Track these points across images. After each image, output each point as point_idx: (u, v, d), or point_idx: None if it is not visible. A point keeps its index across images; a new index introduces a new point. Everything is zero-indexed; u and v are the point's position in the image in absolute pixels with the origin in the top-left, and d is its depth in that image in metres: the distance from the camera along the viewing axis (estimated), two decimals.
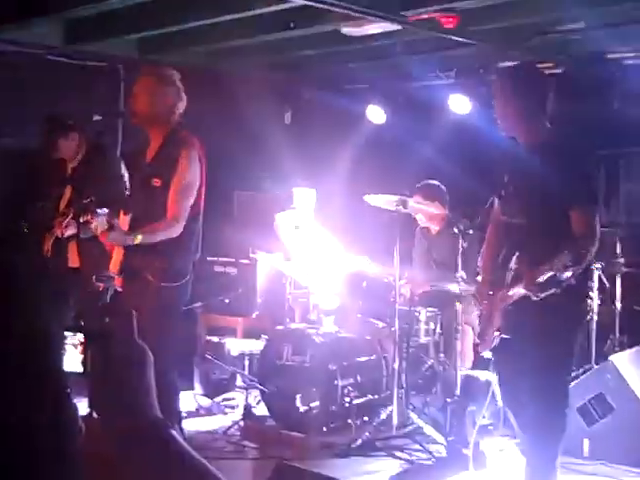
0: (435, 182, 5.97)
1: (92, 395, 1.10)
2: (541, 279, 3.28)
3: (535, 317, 3.53)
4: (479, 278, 4.16)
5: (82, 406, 1.11)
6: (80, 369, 1.12)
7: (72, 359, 1.12)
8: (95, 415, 1.09)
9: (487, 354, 4.07)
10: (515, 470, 4.58)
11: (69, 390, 1.04)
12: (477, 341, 4.06)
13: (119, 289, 4.23)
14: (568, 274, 3.28)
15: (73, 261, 4.89)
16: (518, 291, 3.49)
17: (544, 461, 3.72)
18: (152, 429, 1.05)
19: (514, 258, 3.63)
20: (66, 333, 1.15)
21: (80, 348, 1.12)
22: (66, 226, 4.58)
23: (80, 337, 1.13)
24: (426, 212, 5.80)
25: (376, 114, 7.33)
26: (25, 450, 0.98)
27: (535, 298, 3.35)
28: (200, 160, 4.26)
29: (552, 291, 3.33)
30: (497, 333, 3.72)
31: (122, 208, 4.24)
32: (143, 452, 1.03)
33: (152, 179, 4.21)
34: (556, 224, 3.55)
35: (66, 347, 1.15)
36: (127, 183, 4.69)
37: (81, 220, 3.99)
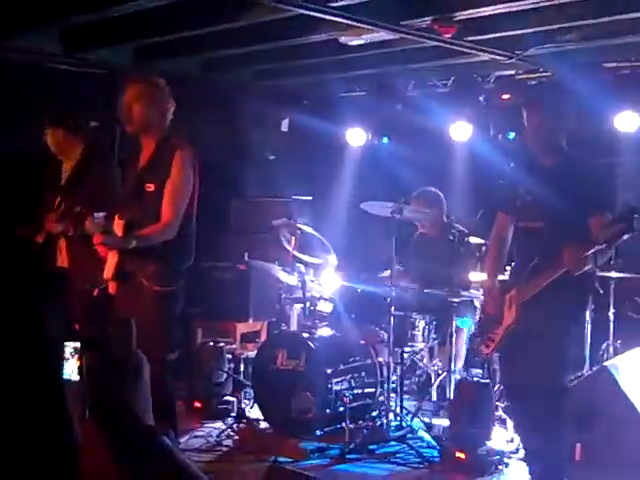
0: (433, 189, 6.01)
1: (88, 402, 1.13)
2: (587, 253, 3.58)
3: (545, 304, 3.81)
4: (486, 281, 4.30)
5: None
6: (76, 377, 1.15)
7: (69, 367, 1.14)
8: (91, 421, 1.12)
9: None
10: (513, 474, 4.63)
11: (66, 396, 1.07)
12: (481, 342, 4.16)
13: (113, 293, 4.26)
14: (604, 254, 3.67)
15: (62, 260, 4.90)
16: (550, 275, 3.74)
17: (554, 460, 3.95)
18: (144, 437, 1.08)
19: (535, 257, 3.87)
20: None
21: (77, 356, 1.15)
22: (56, 222, 4.60)
23: (76, 345, 1.16)
24: (425, 219, 5.84)
25: None
26: (24, 452, 1.01)
27: (577, 273, 3.65)
28: (193, 165, 4.29)
29: (588, 267, 3.68)
30: (505, 329, 3.97)
31: (117, 212, 4.27)
32: (135, 459, 1.07)
33: (146, 184, 4.24)
34: (576, 227, 3.77)
35: (64, 351, 1.17)
36: (121, 188, 4.72)
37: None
